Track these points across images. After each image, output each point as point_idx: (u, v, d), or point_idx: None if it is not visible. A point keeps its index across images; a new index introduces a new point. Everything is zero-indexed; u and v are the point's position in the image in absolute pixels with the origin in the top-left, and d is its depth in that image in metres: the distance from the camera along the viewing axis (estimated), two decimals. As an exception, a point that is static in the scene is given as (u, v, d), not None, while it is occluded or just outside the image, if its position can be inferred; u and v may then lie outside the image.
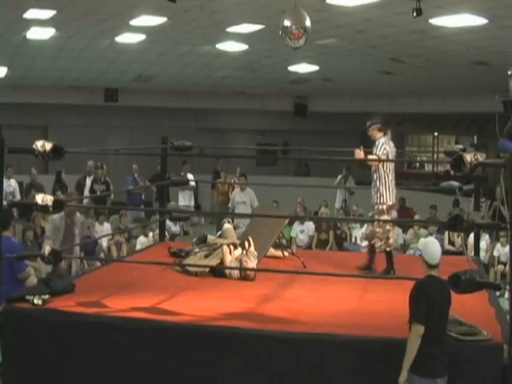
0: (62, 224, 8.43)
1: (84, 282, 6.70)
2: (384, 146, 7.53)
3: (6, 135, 5.84)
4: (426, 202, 13.96)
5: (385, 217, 7.55)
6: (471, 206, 9.52)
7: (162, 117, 21.85)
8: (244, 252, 7.52)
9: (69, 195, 10.90)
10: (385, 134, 7.74)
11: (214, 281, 7.14)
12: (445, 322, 4.74)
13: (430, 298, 4.62)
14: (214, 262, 7.46)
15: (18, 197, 12.86)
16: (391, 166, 7.54)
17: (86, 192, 13.50)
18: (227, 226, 8.79)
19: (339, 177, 16.02)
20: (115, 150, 14.05)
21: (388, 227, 7.57)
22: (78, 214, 8.73)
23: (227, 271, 7.24)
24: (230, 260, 7.39)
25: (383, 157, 7.40)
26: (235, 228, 9.79)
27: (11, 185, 12.65)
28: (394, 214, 8.52)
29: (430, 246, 4.84)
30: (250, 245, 7.60)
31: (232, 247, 7.58)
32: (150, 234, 11.85)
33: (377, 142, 7.60)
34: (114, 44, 14.72)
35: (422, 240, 5.08)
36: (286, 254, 8.40)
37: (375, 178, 7.52)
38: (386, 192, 7.48)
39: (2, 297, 5.71)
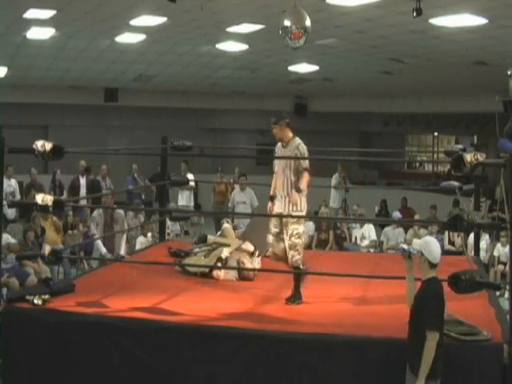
0: (101, 221, 8.44)
1: (84, 282, 6.70)
2: (303, 146, 6.46)
3: (5, 135, 5.86)
4: (426, 202, 13.95)
5: (301, 226, 6.47)
6: (471, 206, 9.52)
7: (162, 117, 21.85)
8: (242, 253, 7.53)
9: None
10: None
11: (214, 281, 7.15)
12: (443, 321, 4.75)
13: (441, 301, 4.62)
14: (213, 262, 7.46)
15: (18, 197, 12.84)
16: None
17: (82, 191, 13.51)
18: (226, 225, 8.80)
19: (335, 176, 16.00)
20: (115, 150, 14.05)
21: (303, 239, 6.64)
22: (119, 211, 8.68)
23: (214, 273, 7.18)
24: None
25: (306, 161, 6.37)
26: (235, 228, 9.81)
27: (11, 185, 12.58)
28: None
29: (433, 245, 4.79)
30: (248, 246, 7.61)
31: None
32: (149, 234, 11.85)
33: (294, 143, 6.46)
34: (114, 44, 14.72)
35: (419, 240, 5.01)
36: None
37: (292, 180, 6.35)
38: (303, 198, 6.43)
39: None
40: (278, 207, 6.47)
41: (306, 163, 6.36)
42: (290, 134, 6.52)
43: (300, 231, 6.41)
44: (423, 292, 4.67)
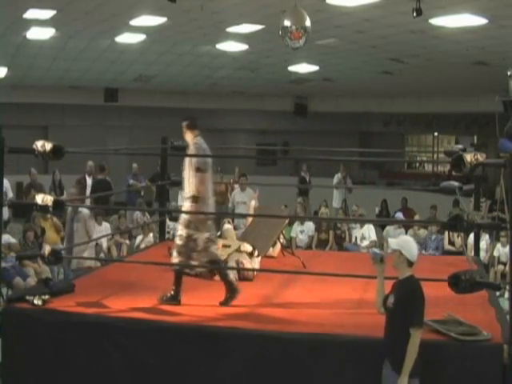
0: (68, 218, 8.47)
1: (84, 282, 6.70)
2: (199, 146, 6.24)
3: (5, 135, 5.85)
4: (426, 202, 13.95)
5: (188, 230, 6.19)
6: (471, 206, 9.52)
7: (162, 117, 21.85)
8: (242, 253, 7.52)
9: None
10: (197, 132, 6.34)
11: (214, 281, 7.13)
12: None
13: (424, 299, 4.64)
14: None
15: (10, 195, 12.64)
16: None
17: (88, 191, 13.48)
18: (227, 226, 8.78)
19: (337, 176, 16.01)
20: (115, 150, 14.05)
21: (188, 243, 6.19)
22: (83, 211, 8.64)
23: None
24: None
25: (203, 165, 6.15)
26: (235, 228, 9.80)
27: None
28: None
29: (411, 243, 4.84)
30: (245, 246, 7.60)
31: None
32: (150, 234, 11.85)
33: (192, 143, 6.27)
34: (114, 44, 14.73)
35: (394, 240, 5.01)
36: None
37: (192, 180, 6.16)
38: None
39: None
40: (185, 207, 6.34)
41: (198, 162, 6.14)
42: (193, 135, 6.29)
43: (184, 234, 6.18)
44: (405, 290, 4.68)
